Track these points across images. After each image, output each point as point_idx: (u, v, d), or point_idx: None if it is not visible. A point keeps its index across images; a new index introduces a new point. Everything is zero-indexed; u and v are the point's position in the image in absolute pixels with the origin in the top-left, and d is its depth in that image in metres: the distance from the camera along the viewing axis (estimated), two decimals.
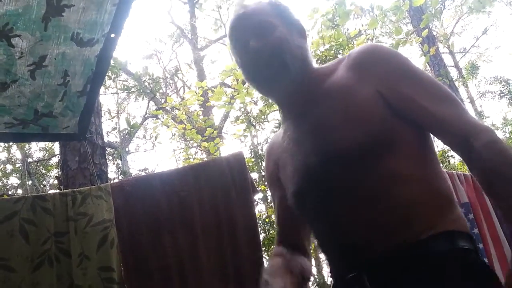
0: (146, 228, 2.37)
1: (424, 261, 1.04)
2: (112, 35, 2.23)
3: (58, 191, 3.37)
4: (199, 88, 9.15)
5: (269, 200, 9.52)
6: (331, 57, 6.78)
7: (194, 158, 9.44)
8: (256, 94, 7.47)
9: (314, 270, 14.93)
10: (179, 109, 9.87)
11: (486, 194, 1.12)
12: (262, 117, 8.62)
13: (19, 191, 13.76)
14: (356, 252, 1.13)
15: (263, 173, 8.85)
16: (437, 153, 1.31)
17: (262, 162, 8.53)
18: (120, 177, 14.01)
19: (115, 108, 17.40)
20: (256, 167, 8.68)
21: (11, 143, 12.05)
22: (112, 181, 4.74)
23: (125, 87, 16.13)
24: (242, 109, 8.56)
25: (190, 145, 10.61)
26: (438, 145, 8.23)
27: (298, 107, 1.30)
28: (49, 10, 1.95)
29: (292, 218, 1.39)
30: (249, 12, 1.34)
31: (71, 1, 1.93)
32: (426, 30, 7.67)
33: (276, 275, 1.24)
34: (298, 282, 1.27)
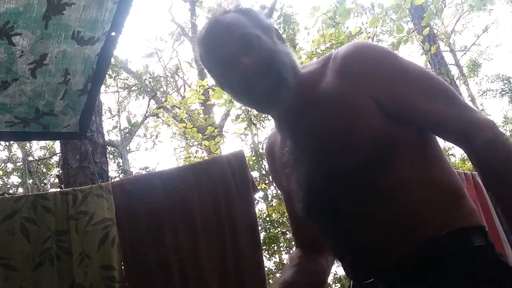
0: (147, 227, 2.37)
1: (436, 263, 1.03)
2: (113, 34, 2.23)
3: (59, 189, 3.36)
4: (199, 86, 9.15)
5: (269, 199, 9.52)
6: None
7: (195, 157, 9.44)
8: None
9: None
10: (179, 108, 9.87)
11: (487, 192, 1.12)
12: (263, 115, 8.62)
13: (20, 190, 13.78)
14: (368, 261, 1.13)
15: (264, 172, 8.85)
16: None
17: (263, 160, 8.53)
18: (121, 176, 14.03)
19: (115, 106, 17.45)
20: (256, 166, 8.69)
21: (12, 142, 12.05)
22: (113, 180, 4.74)
23: (126, 85, 16.15)
24: (243, 108, 8.55)
25: (190, 144, 10.62)
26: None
27: (293, 119, 1.24)
28: (50, 9, 1.94)
29: (303, 223, 1.37)
30: (225, 27, 1.23)
31: None
32: (427, 29, 7.64)
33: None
34: None
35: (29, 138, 5.55)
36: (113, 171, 14.91)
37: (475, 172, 3.68)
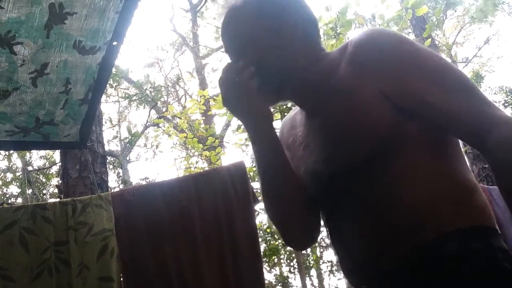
0: (147, 238, 2.35)
1: (436, 264, 0.98)
2: (114, 43, 2.23)
3: (58, 200, 3.35)
4: (200, 96, 9.17)
5: None
6: None
7: (195, 167, 9.44)
8: None
9: (316, 282, 14.87)
10: (180, 118, 9.88)
11: (500, 192, 1.03)
12: None
13: (19, 200, 13.75)
14: (369, 261, 1.09)
15: None
16: None
17: None
18: (120, 186, 14.01)
19: (116, 116, 17.46)
20: (257, 177, 8.67)
21: (11, 151, 12.05)
22: (112, 190, 4.72)
23: (127, 95, 16.19)
24: None
25: (191, 154, 10.63)
26: None
27: (311, 107, 1.23)
28: (52, 18, 1.94)
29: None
30: (232, 17, 1.27)
31: (74, 8, 1.93)
32: (429, 40, 7.67)
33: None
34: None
35: (29, 148, 5.53)
36: (113, 181, 14.89)
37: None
